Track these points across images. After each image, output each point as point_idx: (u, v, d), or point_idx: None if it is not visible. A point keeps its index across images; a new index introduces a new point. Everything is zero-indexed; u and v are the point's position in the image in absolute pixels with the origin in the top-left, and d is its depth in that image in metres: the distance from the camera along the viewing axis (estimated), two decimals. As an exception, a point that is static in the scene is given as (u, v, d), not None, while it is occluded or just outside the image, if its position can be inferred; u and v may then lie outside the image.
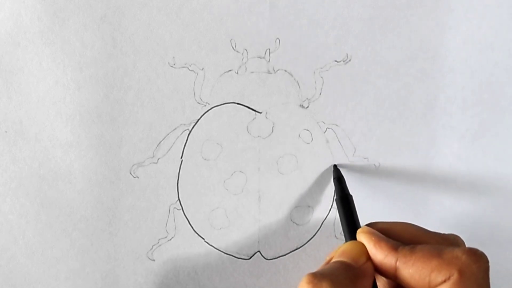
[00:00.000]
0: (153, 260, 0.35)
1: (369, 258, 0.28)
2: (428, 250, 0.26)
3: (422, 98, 0.35)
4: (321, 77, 0.34)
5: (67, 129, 0.33)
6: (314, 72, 0.34)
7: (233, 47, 0.33)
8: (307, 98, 0.34)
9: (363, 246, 0.28)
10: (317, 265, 0.34)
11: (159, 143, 0.34)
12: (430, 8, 0.34)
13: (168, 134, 0.34)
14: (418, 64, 0.34)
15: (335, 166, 0.34)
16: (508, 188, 0.36)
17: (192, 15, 0.33)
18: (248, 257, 0.35)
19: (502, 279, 0.37)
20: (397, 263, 0.27)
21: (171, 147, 0.34)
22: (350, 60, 0.34)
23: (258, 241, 0.35)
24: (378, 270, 0.28)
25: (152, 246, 0.35)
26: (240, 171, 0.35)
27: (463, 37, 0.34)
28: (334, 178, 0.34)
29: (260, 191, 0.35)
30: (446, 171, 0.36)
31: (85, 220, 0.34)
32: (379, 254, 0.27)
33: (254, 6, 0.33)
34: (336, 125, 0.35)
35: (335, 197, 0.34)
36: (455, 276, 0.25)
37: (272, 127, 0.34)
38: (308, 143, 0.35)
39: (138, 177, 0.34)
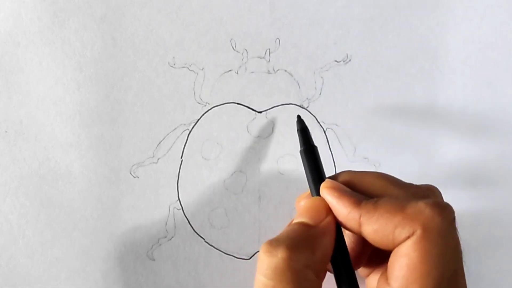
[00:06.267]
0: (153, 260, 0.35)
1: (329, 213, 0.26)
2: (391, 204, 0.25)
3: (422, 98, 0.35)
4: (321, 77, 0.34)
5: (67, 129, 0.33)
6: (314, 72, 0.34)
7: (233, 47, 0.33)
8: (307, 98, 0.34)
9: (322, 202, 0.27)
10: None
11: (159, 143, 0.34)
12: (430, 8, 0.34)
13: (168, 134, 0.34)
14: (418, 64, 0.34)
15: (298, 116, 0.32)
16: (508, 188, 0.36)
17: (192, 15, 0.33)
18: (248, 257, 0.35)
19: (502, 279, 0.37)
20: (361, 219, 0.25)
21: (171, 147, 0.34)
22: (350, 60, 0.34)
23: (258, 241, 0.35)
24: (343, 226, 0.26)
25: (152, 246, 0.35)
26: (240, 171, 0.35)
27: (463, 37, 0.34)
28: (298, 130, 0.32)
29: (260, 191, 0.35)
30: (446, 171, 0.36)
31: (85, 220, 0.34)
32: (343, 210, 0.26)
33: (254, 6, 0.33)
34: (336, 125, 0.35)
35: (299, 150, 0.31)
36: (418, 231, 0.23)
37: (272, 127, 0.34)
38: (308, 143, 0.35)
39: (138, 177, 0.34)
